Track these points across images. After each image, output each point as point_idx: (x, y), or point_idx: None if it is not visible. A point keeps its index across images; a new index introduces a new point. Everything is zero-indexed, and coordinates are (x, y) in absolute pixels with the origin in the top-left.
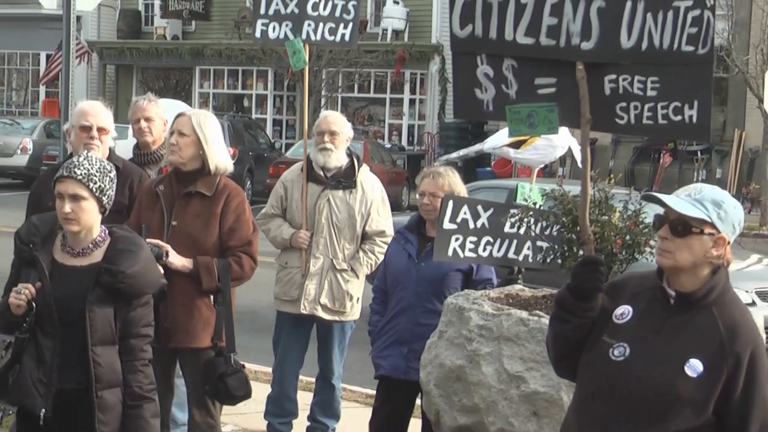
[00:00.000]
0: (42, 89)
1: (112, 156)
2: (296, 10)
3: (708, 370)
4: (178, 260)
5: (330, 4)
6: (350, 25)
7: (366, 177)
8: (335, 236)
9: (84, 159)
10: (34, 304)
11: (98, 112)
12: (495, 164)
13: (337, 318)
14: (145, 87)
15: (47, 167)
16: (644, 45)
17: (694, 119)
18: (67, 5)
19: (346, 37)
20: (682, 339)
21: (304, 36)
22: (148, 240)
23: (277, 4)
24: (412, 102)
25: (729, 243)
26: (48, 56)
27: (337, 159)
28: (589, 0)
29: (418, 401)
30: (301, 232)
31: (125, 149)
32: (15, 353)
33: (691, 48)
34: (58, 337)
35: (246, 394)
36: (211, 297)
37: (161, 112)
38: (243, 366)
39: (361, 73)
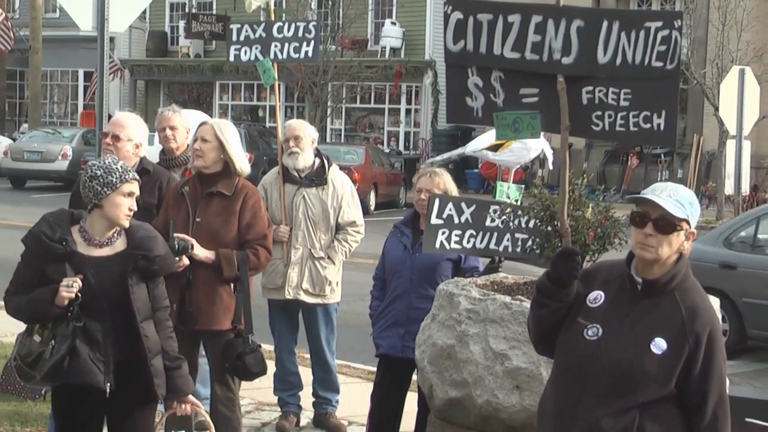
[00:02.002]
0: (80, 102)
1: (144, 161)
2: (263, 34)
3: (671, 348)
4: (201, 252)
5: (293, 26)
6: (312, 42)
7: (336, 175)
8: (312, 229)
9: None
10: (79, 295)
11: (120, 123)
12: (482, 166)
13: (319, 301)
14: (171, 100)
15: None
16: (618, 60)
17: (662, 127)
18: (101, 27)
19: (309, 54)
20: (648, 320)
21: (271, 56)
22: (176, 234)
23: (246, 31)
24: (408, 111)
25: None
26: (85, 73)
27: (305, 159)
28: (569, 20)
29: (414, 377)
30: (281, 227)
31: (151, 155)
32: (72, 340)
33: (660, 63)
34: (106, 319)
35: (262, 370)
36: (231, 285)
37: (184, 121)
38: (259, 346)
39: (362, 86)
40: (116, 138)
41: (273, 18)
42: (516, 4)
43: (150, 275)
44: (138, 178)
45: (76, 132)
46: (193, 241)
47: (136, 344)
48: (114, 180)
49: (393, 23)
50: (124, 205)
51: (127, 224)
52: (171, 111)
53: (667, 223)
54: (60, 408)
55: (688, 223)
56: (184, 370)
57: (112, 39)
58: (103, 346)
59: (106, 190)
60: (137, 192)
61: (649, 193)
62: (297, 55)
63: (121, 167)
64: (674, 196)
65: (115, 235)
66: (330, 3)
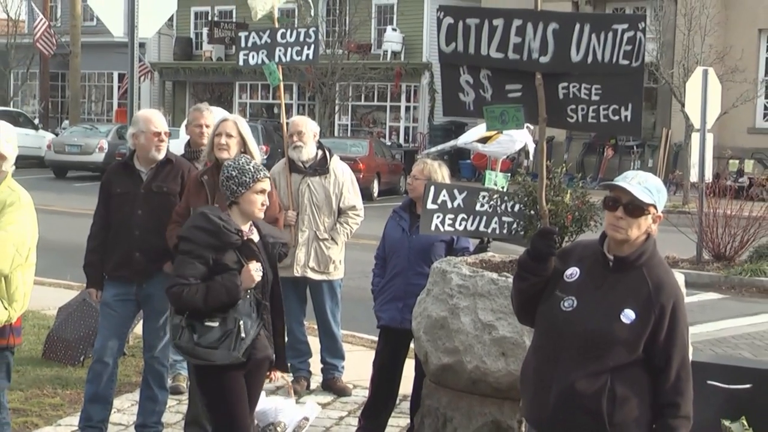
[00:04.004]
0: (115, 101)
1: (168, 152)
2: (268, 40)
3: (639, 317)
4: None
5: (294, 32)
6: (312, 46)
7: (337, 164)
8: (316, 213)
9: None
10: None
11: (161, 120)
12: (473, 157)
13: (324, 277)
14: (196, 99)
15: (115, 162)
16: (590, 59)
17: (629, 119)
18: (132, 33)
19: (310, 56)
20: (618, 293)
21: (276, 59)
22: None
23: (253, 38)
24: (407, 108)
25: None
26: (119, 75)
27: (308, 152)
28: (546, 23)
29: (411, 345)
30: (289, 212)
31: (176, 147)
32: (261, 318)
33: (626, 62)
34: (267, 300)
35: None
36: None
37: (213, 120)
38: None
39: (366, 86)
40: (167, 134)
41: (276, 25)
42: (499, 9)
43: (280, 259)
44: (269, 175)
45: (111, 127)
46: None
47: (278, 320)
48: (247, 179)
49: (394, 29)
50: (257, 201)
51: (262, 217)
52: (208, 111)
53: (636, 208)
54: (217, 382)
55: (655, 207)
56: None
57: (142, 44)
58: (269, 323)
59: (241, 189)
60: (269, 188)
61: (620, 180)
62: (299, 58)
63: (254, 167)
64: (643, 183)
65: (251, 226)
66: (337, 11)
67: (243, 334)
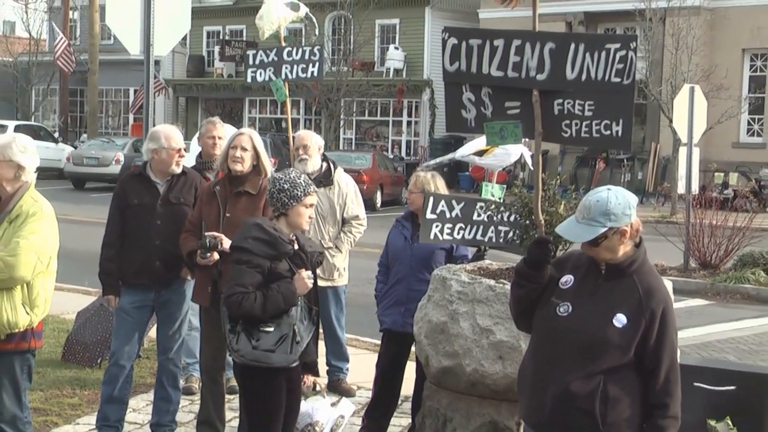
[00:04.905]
0: (131, 115)
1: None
2: (275, 58)
3: (630, 322)
4: (230, 244)
5: (300, 50)
6: (317, 63)
7: (341, 176)
8: (321, 223)
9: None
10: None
11: (181, 137)
12: (472, 170)
13: (329, 284)
14: (208, 113)
15: (127, 173)
16: (584, 77)
17: (620, 133)
18: (147, 51)
19: (315, 73)
20: (610, 299)
21: (282, 76)
22: (206, 233)
23: (260, 56)
24: (409, 123)
25: (631, 224)
26: (135, 91)
27: (313, 164)
28: (543, 43)
29: (413, 348)
30: None
31: (188, 160)
32: (314, 324)
33: (618, 79)
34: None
35: None
36: None
37: (224, 132)
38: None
39: (370, 102)
40: (185, 149)
41: (283, 44)
42: (500, 30)
43: (316, 267)
44: (317, 189)
45: (127, 141)
46: (222, 236)
47: (317, 326)
48: (299, 193)
49: (396, 48)
50: (306, 214)
51: (307, 228)
52: (220, 124)
53: (592, 242)
54: (262, 384)
55: (610, 228)
56: None
57: (157, 62)
58: (310, 331)
59: (292, 201)
60: (315, 202)
61: (567, 227)
62: (305, 75)
63: (304, 181)
64: (588, 217)
65: (294, 237)
66: (342, 31)
67: (299, 338)
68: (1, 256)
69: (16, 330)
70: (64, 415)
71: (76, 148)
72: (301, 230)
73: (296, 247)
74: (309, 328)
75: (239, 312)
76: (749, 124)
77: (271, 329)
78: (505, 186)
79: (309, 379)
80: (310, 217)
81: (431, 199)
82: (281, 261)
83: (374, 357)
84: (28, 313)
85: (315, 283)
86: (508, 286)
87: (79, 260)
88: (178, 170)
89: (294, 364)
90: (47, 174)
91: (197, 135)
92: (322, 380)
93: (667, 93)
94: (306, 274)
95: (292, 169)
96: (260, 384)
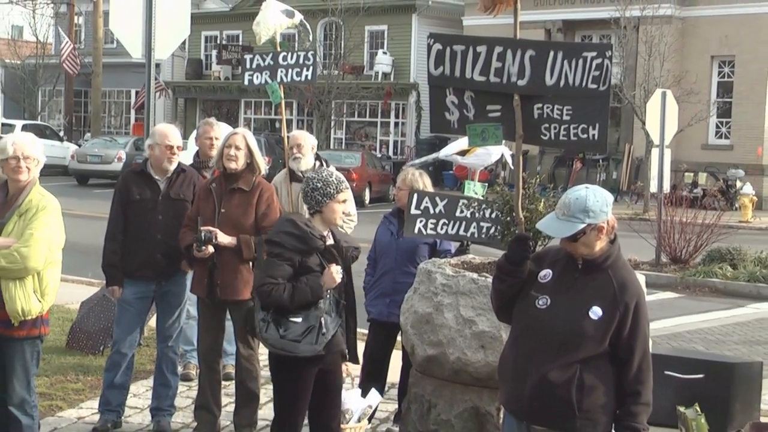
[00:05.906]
0: (132, 115)
1: (179, 163)
2: (271, 62)
3: (605, 314)
4: (225, 239)
5: (295, 54)
6: (311, 67)
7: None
8: None
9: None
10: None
11: (176, 135)
12: (456, 168)
13: None
14: (205, 114)
15: (128, 170)
16: (562, 83)
17: (596, 137)
18: (149, 55)
19: (309, 77)
20: (586, 292)
21: (278, 79)
22: (202, 228)
23: (257, 60)
24: (396, 124)
25: (608, 221)
26: (136, 92)
27: (306, 163)
28: (523, 50)
29: (399, 338)
30: None
31: (186, 158)
32: (340, 316)
33: (594, 85)
34: (341, 298)
35: None
36: (250, 264)
37: (221, 133)
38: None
39: (359, 104)
40: (179, 148)
41: (278, 49)
42: (483, 37)
43: (351, 262)
44: (349, 186)
45: (129, 139)
46: (217, 231)
47: (351, 318)
48: (332, 191)
49: (384, 53)
50: (338, 210)
51: (341, 224)
52: (217, 125)
53: (571, 238)
54: (292, 374)
55: (589, 225)
56: None
57: (158, 65)
58: (338, 322)
59: (326, 199)
60: (349, 198)
61: (547, 223)
62: (299, 78)
63: (336, 179)
64: (567, 214)
65: (328, 232)
66: (333, 36)
67: (324, 330)
68: (16, 247)
69: (29, 317)
70: (68, 400)
71: (80, 146)
72: (336, 226)
73: (330, 242)
74: (336, 320)
75: (268, 301)
76: (717, 127)
77: (299, 320)
78: (486, 184)
79: (348, 368)
80: (343, 213)
81: (416, 196)
82: (312, 255)
83: (361, 346)
84: (39, 301)
85: (349, 277)
86: (490, 280)
87: (82, 253)
88: (171, 167)
89: (320, 354)
90: (52, 171)
91: (194, 135)
92: (353, 368)
93: (641, 97)
94: (335, 269)
95: (324, 168)
96: (290, 375)
